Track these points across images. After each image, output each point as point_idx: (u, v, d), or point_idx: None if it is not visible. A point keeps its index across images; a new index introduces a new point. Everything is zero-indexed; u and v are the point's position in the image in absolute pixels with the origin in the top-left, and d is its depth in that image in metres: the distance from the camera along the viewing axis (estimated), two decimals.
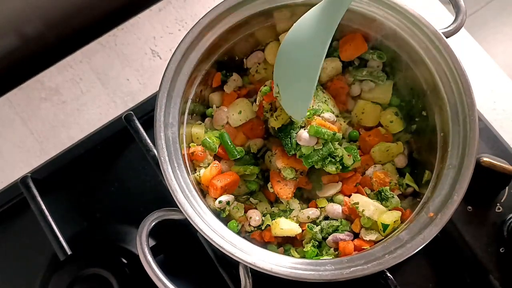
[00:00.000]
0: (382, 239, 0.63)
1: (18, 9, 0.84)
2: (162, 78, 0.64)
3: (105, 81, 0.88)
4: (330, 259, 0.60)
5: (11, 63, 0.92)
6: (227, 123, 0.73)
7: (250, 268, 0.57)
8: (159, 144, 0.62)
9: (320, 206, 0.69)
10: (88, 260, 0.71)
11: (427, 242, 0.56)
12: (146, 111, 0.81)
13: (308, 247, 0.66)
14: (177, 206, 0.59)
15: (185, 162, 0.64)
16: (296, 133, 0.66)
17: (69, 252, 0.72)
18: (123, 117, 0.78)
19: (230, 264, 0.71)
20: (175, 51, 0.65)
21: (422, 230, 0.57)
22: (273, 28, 0.73)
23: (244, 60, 0.76)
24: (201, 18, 0.66)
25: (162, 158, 0.61)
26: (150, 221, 0.60)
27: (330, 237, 0.66)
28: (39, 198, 0.75)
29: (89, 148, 0.82)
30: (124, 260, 0.71)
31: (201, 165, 0.69)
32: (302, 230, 0.67)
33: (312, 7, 0.65)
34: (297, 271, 0.56)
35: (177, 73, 0.65)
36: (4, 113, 0.87)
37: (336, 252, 0.65)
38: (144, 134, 0.76)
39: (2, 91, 0.88)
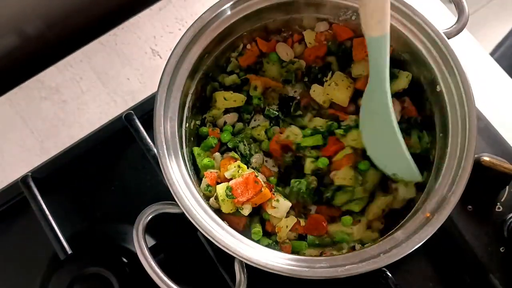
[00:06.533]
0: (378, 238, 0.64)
1: (18, 8, 0.84)
2: (163, 72, 0.64)
3: (105, 80, 0.88)
4: (325, 257, 0.60)
5: (11, 62, 0.92)
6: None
7: (246, 263, 0.57)
8: (158, 138, 0.62)
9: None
10: (89, 260, 0.71)
11: (422, 242, 0.56)
12: (146, 110, 0.81)
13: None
14: (174, 200, 0.59)
15: (184, 156, 0.65)
16: None
17: (69, 251, 0.72)
18: (123, 116, 0.78)
19: (230, 263, 0.71)
20: (176, 45, 0.66)
21: (417, 230, 0.57)
22: (273, 25, 0.73)
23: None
24: (203, 14, 0.66)
25: (160, 152, 0.61)
26: (146, 215, 0.59)
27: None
28: (39, 198, 0.75)
29: (90, 147, 0.82)
30: (124, 260, 0.71)
31: None
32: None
33: (312, 2, 0.65)
34: (292, 267, 0.56)
35: (178, 67, 0.66)
36: (5, 112, 0.87)
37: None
38: (145, 133, 0.76)
39: (2, 90, 0.88)
